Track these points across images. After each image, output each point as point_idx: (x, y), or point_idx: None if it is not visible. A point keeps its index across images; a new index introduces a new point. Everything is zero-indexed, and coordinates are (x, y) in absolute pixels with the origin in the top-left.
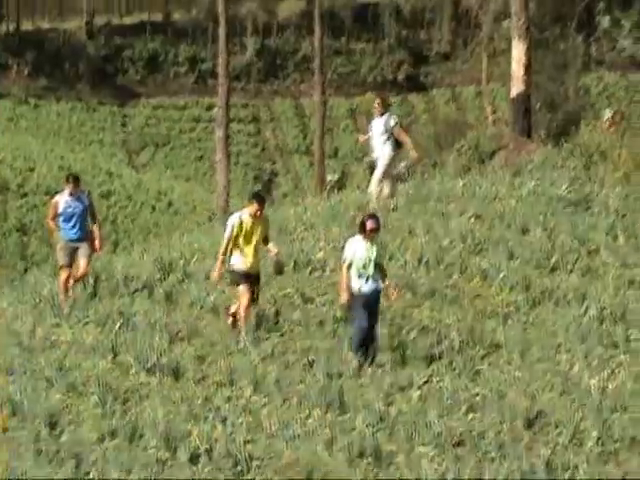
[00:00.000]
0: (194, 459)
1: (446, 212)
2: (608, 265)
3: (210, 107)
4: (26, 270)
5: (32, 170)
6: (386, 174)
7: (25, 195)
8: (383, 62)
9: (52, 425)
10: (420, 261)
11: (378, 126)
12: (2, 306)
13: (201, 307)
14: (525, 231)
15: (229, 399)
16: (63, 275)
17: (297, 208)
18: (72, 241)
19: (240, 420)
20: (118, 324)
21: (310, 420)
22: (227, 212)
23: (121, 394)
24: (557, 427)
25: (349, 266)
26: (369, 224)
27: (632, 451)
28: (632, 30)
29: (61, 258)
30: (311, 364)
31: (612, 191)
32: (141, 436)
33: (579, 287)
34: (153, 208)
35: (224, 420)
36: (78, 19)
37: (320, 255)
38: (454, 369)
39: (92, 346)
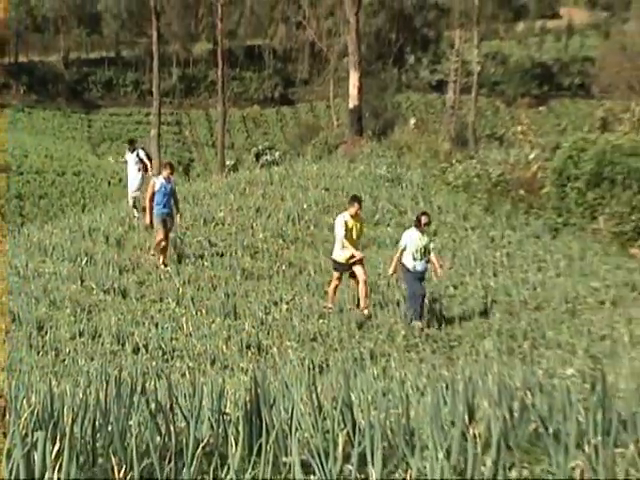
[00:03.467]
0: (136, 351)
1: (305, 186)
2: (413, 220)
3: (148, 114)
4: (22, 224)
5: (26, 156)
6: (135, 193)
7: (21, 173)
8: (264, 85)
9: (39, 328)
10: (288, 218)
11: (131, 160)
12: (5, 248)
13: (141, 249)
14: None
15: (159, 311)
16: (160, 236)
17: (206, 183)
18: (164, 214)
19: (167, 325)
20: (84, 260)
21: (214, 325)
22: None
23: (86, 307)
24: (378, 328)
25: (402, 250)
26: (423, 219)
27: (427, 344)
28: (428, 65)
29: (159, 226)
30: (215, 287)
31: (415, 172)
32: (100, 335)
33: (393, 235)
34: (109, 183)
35: (156, 325)
36: (57, 54)
37: (221, 214)
38: (310, 290)
39: (67, 276)
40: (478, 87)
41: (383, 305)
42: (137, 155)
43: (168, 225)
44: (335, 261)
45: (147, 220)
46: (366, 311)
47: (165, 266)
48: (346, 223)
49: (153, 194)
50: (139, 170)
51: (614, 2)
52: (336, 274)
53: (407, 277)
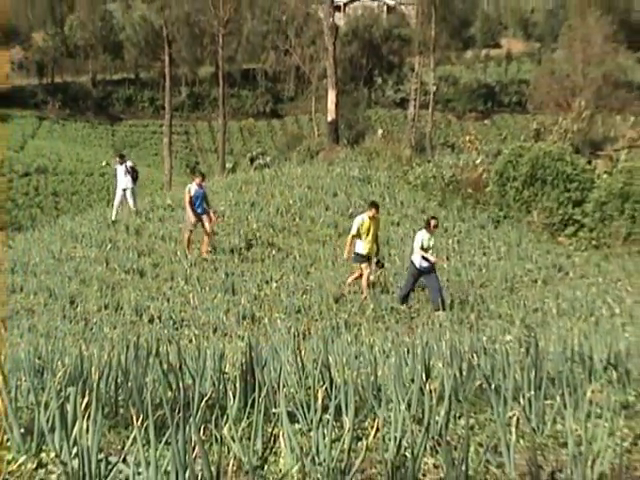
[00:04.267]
0: (151, 321)
1: (291, 185)
2: (380, 213)
3: (161, 125)
4: (57, 217)
5: (60, 160)
6: (135, 198)
7: (57, 174)
8: (257, 101)
9: (71, 302)
10: (277, 211)
11: (121, 170)
12: (44, 237)
13: (156, 237)
14: (335, 195)
15: (171, 288)
16: (187, 235)
17: (209, 183)
18: (198, 214)
19: (177, 299)
20: (109, 246)
21: (216, 299)
22: (170, 185)
23: (110, 285)
24: (351, 303)
25: (422, 247)
26: (433, 222)
27: (391, 315)
28: (393, 85)
29: (191, 225)
30: (216, 268)
31: (382, 173)
32: (121, 308)
33: None
34: None
35: (168, 299)
36: (86, 76)
37: (222, 208)
38: (295, 271)
39: (94, 259)
40: (434, 104)
41: (356, 282)
42: (125, 167)
43: (203, 222)
44: (358, 254)
45: (192, 219)
46: (347, 289)
47: (191, 253)
48: (363, 223)
49: (191, 198)
50: (129, 179)
51: (545, 35)
52: (364, 266)
53: (411, 271)
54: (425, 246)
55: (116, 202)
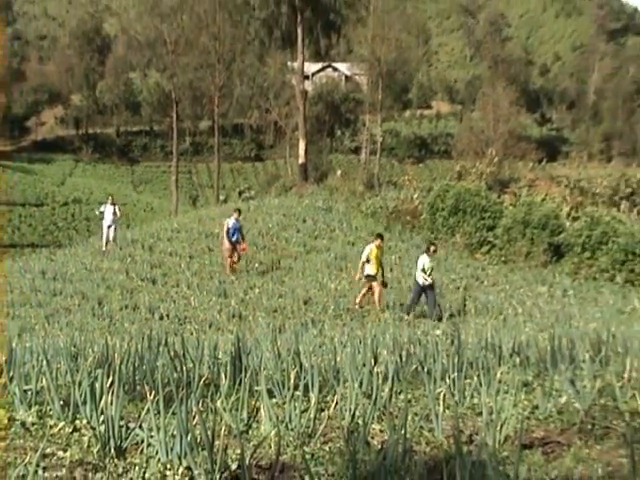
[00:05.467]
0: (162, 318)
1: (270, 212)
2: (339, 235)
3: (169, 166)
4: (89, 237)
5: (92, 193)
6: (116, 234)
7: (89, 204)
8: (244, 148)
9: (99, 303)
10: (259, 233)
11: (109, 211)
12: (79, 252)
13: (165, 253)
14: (304, 221)
15: (177, 292)
16: (230, 258)
17: (207, 211)
18: (233, 243)
19: (181, 301)
20: (128, 260)
21: (211, 301)
22: (177, 212)
23: (130, 289)
24: (317, 305)
25: (423, 270)
26: (432, 248)
27: (348, 314)
28: (349, 136)
29: (229, 252)
30: (211, 276)
31: (341, 205)
32: (138, 307)
33: (327, 244)
34: (144, 210)
35: (174, 301)
36: (112, 128)
37: (216, 231)
38: (273, 280)
39: (117, 269)
40: (380, 151)
41: (320, 288)
42: (114, 209)
43: (237, 250)
44: (369, 275)
45: (227, 246)
46: (357, 306)
47: (233, 273)
48: (372, 251)
49: (228, 230)
50: (114, 220)
51: (465, 99)
52: (374, 284)
53: (416, 288)
54: (428, 267)
55: (104, 237)
